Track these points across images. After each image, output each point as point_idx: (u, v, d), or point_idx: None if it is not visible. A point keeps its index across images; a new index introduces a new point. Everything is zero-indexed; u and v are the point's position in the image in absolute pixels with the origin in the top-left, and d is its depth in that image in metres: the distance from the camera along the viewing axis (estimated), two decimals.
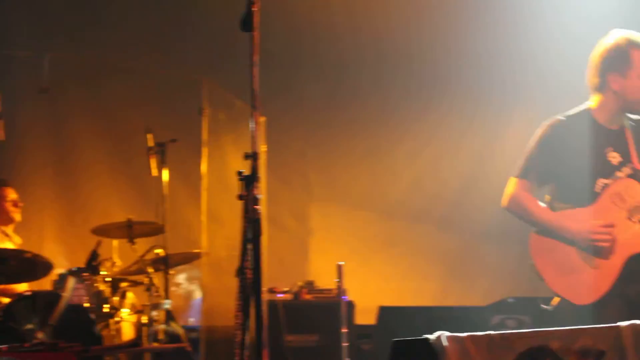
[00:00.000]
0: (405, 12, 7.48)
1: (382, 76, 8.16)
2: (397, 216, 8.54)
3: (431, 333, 3.48)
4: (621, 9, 6.77)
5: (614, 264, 4.64)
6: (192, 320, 8.17)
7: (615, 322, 3.52)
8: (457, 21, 7.49)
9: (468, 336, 3.46)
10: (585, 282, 4.67)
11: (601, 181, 4.73)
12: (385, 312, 7.30)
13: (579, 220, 4.69)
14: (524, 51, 7.31)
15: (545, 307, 4.85)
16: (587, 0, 6.98)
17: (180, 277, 7.97)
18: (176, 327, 6.99)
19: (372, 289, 8.14)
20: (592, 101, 4.86)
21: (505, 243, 7.34)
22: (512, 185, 4.87)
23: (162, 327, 6.77)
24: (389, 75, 8.10)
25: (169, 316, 6.88)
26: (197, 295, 8.03)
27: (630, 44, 4.71)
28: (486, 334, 3.47)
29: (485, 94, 7.59)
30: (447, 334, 3.47)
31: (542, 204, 4.86)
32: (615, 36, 4.77)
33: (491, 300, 7.03)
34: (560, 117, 4.86)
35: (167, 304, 6.82)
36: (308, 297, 7.37)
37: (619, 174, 4.74)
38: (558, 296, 4.74)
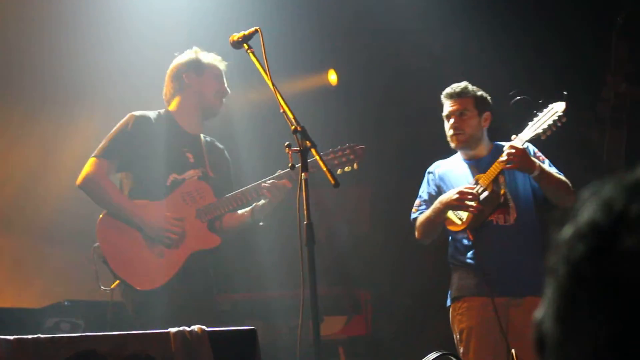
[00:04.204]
0: None
1: None
2: None
3: None
4: (198, 26, 6.97)
5: (179, 256, 4.79)
6: None
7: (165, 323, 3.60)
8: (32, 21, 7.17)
9: (15, 339, 3.32)
10: (149, 269, 4.76)
11: (173, 176, 4.88)
12: None
13: (152, 211, 4.79)
14: (97, 39, 7.15)
15: (104, 289, 4.83)
16: (168, 15, 7.05)
17: None
18: None
19: None
20: (171, 106, 5.06)
21: (66, 245, 7.21)
22: (90, 165, 4.82)
23: None
24: None
25: None
26: None
27: (203, 56, 5.03)
28: (34, 337, 3.35)
29: (60, 90, 7.32)
30: None
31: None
32: (189, 52, 5.06)
33: (47, 302, 6.86)
34: (148, 112, 4.98)
35: None
36: None
37: (192, 172, 4.92)
38: (119, 279, 4.75)
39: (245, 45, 4.14)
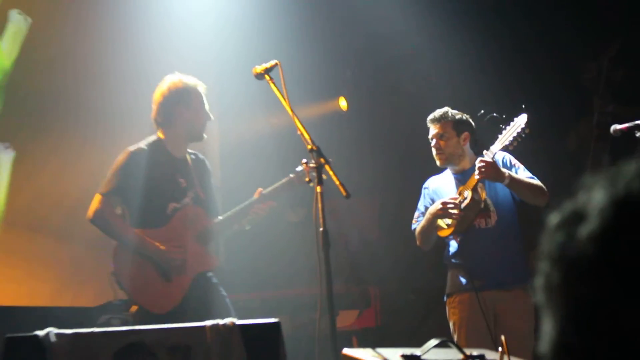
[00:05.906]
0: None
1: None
2: (18, 226, 8.08)
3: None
4: (223, 60, 6.98)
5: (184, 280, 4.74)
6: None
7: None
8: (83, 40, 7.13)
9: (73, 333, 3.36)
10: (160, 294, 4.71)
11: (172, 205, 4.81)
12: (1, 312, 6.88)
13: (157, 240, 4.73)
14: (140, 71, 7.14)
15: (126, 314, 4.83)
16: (195, 52, 7.04)
17: None
18: None
19: None
20: (160, 133, 4.93)
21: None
22: (97, 201, 4.76)
23: None
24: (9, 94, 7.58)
25: None
26: None
27: (186, 84, 4.85)
28: (89, 331, 3.39)
29: (105, 114, 7.32)
30: (55, 330, 3.34)
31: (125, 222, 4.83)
32: (172, 79, 4.89)
33: (101, 302, 6.89)
34: (142, 145, 4.87)
35: None
36: None
37: (186, 199, 4.85)
38: (136, 304, 4.74)
39: (266, 76, 4.12)
